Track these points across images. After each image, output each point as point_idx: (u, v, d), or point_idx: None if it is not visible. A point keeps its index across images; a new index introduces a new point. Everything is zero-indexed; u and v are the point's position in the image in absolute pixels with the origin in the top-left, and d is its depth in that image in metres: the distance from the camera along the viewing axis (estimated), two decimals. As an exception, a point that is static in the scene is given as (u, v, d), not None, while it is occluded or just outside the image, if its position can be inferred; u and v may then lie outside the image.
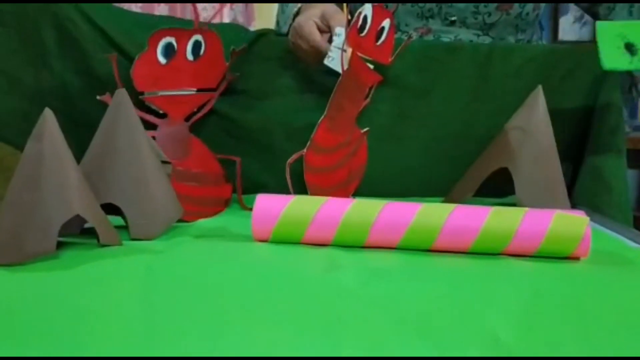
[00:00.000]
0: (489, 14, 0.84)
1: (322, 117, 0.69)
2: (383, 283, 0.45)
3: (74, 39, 0.73)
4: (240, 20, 1.57)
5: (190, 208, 0.66)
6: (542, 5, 0.89)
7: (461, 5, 0.85)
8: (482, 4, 0.84)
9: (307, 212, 0.54)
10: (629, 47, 0.70)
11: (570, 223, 0.51)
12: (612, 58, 0.69)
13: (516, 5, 0.85)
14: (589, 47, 0.81)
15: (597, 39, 0.69)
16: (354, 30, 0.70)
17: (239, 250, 0.53)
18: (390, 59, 0.77)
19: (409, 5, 0.85)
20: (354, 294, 0.43)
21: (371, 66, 0.75)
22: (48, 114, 0.49)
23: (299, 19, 0.76)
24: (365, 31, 0.72)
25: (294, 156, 0.68)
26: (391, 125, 0.80)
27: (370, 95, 0.78)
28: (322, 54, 0.72)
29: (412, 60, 0.80)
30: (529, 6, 0.86)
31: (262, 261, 0.51)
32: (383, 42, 0.75)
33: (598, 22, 0.71)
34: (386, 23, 0.75)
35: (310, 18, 0.74)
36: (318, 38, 0.73)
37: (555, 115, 0.72)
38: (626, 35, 0.69)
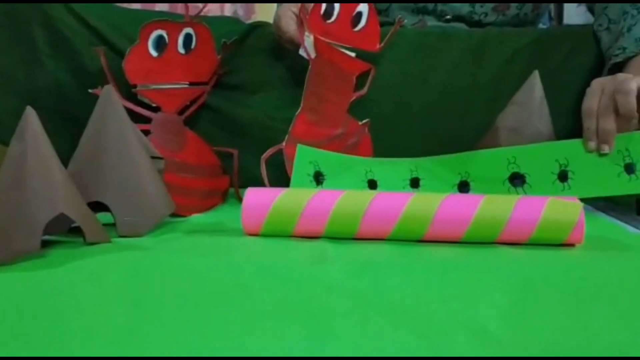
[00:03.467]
0: (485, 14, 0.83)
1: (299, 109, 0.69)
2: (371, 275, 0.44)
3: (64, 37, 0.74)
4: (241, 13, 1.56)
5: (187, 201, 0.65)
6: (543, 5, 0.87)
7: (456, 4, 0.83)
8: (478, 4, 0.82)
9: (297, 204, 0.53)
10: (317, 177, 0.69)
11: (563, 209, 0.49)
12: (300, 186, 0.67)
13: (513, 6, 0.83)
14: (588, 28, 0.79)
15: (295, 163, 0.67)
16: (315, 16, 0.69)
17: (228, 245, 0.53)
18: (378, 46, 0.76)
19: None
20: (340, 287, 0.42)
21: (352, 54, 0.74)
22: (30, 112, 0.48)
23: (278, 10, 0.75)
24: (334, 17, 0.70)
25: (270, 150, 0.68)
26: (388, 115, 0.79)
27: (367, 85, 0.77)
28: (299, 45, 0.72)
29: (407, 48, 0.79)
30: (528, 7, 0.84)
31: (249, 255, 0.51)
32: (364, 27, 0.74)
33: (299, 146, 0.67)
34: (363, 8, 0.73)
35: (289, 8, 0.73)
36: (292, 29, 0.72)
37: (554, 98, 0.70)
38: (318, 163, 0.68)
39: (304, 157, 0.68)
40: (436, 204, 0.51)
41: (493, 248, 0.50)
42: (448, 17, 0.84)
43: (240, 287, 0.43)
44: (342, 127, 0.73)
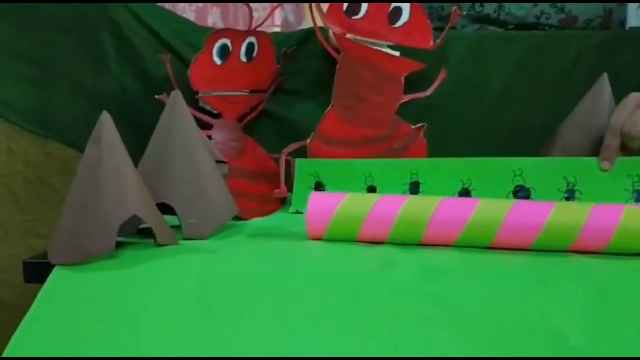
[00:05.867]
0: (550, 27, 0.81)
1: (329, 107, 0.69)
2: (441, 281, 0.43)
3: (130, 43, 0.75)
4: (291, 19, 1.57)
5: (247, 204, 0.66)
6: (614, 18, 0.84)
7: (520, 14, 0.81)
8: (544, 16, 0.80)
9: (362, 209, 0.53)
10: (318, 188, 0.68)
11: (642, 217, 0.48)
12: (301, 198, 0.66)
13: (581, 20, 0.81)
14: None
15: (295, 177, 0.68)
16: (335, 11, 0.67)
17: (293, 249, 0.53)
18: (430, 43, 0.72)
19: (465, 9, 0.83)
20: (410, 293, 0.41)
21: (396, 53, 0.71)
22: (105, 118, 0.50)
23: None
24: (362, 14, 0.69)
25: (292, 146, 0.69)
26: (445, 121, 0.78)
27: (433, 88, 0.73)
28: None
29: (465, 51, 0.77)
30: (596, 22, 0.81)
31: (316, 259, 0.51)
32: (406, 23, 0.70)
33: (297, 160, 0.68)
34: (403, 4, 0.70)
35: None
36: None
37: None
38: (318, 174, 0.68)
39: (303, 170, 0.68)
40: (505, 210, 0.50)
41: (567, 256, 0.49)
42: (511, 27, 0.82)
43: (310, 290, 0.43)
44: (387, 130, 0.71)
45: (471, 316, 0.38)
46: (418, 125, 0.72)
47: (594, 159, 0.61)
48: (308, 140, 0.69)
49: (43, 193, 0.75)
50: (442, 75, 0.73)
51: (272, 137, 0.78)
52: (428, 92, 0.73)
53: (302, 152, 0.71)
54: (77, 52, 0.74)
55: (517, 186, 0.62)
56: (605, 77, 0.67)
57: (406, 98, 0.73)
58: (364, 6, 0.69)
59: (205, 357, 0.35)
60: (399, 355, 0.35)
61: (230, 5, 1.65)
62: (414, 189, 0.65)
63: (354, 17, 0.69)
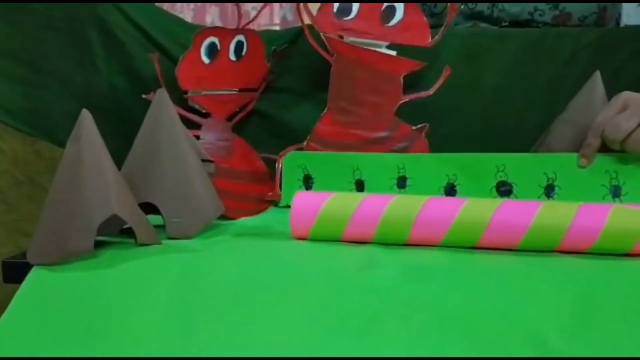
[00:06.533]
0: (544, 24, 0.80)
1: (325, 110, 0.69)
2: (423, 282, 0.43)
3: (120, 42, 0.75)
4: (290, 17, 1.57)
5: (234, 205, 0.66)
6: (608, 16, 0.83)
7: (514, 11, 0.81)
8: (538, 13, 0.79)
9: (347, 208, 0.52)
10: (306, 180, 0.69)
11: (629, 216, 0.47)
12: (291, 192, 0.66)
13: (575, 17, 0.80)
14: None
15: (283, 169, 0.70)
16: (325, 14, 0.67)
17: (276, 249, 0.52)
18: (428, 40, 0.70)
19: (458, 5, 0.82)
20: (391, 293, 0.41)
21: (392, 52, 0.70)
22: (85, 115, 0.49)
23: None
24: (353, 14, 0.68)
25: (289, 149, 0.68)
26: (438, 119, 0.77)
27: (436, 87, 0.71)
28: None
29: (460, 48, 0.76)
30: (590, 19, 0.80)
31: (298, 259, 0.50)
32: (401, 21, 0.69)
33: (286, 159, 0.69)
34: (397, 4, 0.69)
35: None
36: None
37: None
38: (306, 166, 0.68)
39: (292, 162, 0.69)
40: (492, 209, 0.49)
41: (552, 257, 0.48)
42: (505, 23, 0.81)
43: (290, 290, 0.42)
44: (386, 131, 0.70)
45: (452, 317, 0.38)
46: (419, 125, 0.71)
47: (574, 154, 0.61)
48: (305, 143, 0.69)
49: (31, 192, 0.75)
50: (445, 73, 0.71)
51: (262, 136, 0.78)
52: (431, 92, 0.71)
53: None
54: (66, 51, 0.74)
55: (499, 181, 0.62)
56: (598, 74, 0.66)
57: (406, 98, 0.71)
58: (355, 7, 0.69)
59: (185, 357, 0.35)
60: (378, 355, 0.34)
61: (229, 4, 1.65)
62: (402, 183, 0.66)
63: (345, 19, 0.68)
